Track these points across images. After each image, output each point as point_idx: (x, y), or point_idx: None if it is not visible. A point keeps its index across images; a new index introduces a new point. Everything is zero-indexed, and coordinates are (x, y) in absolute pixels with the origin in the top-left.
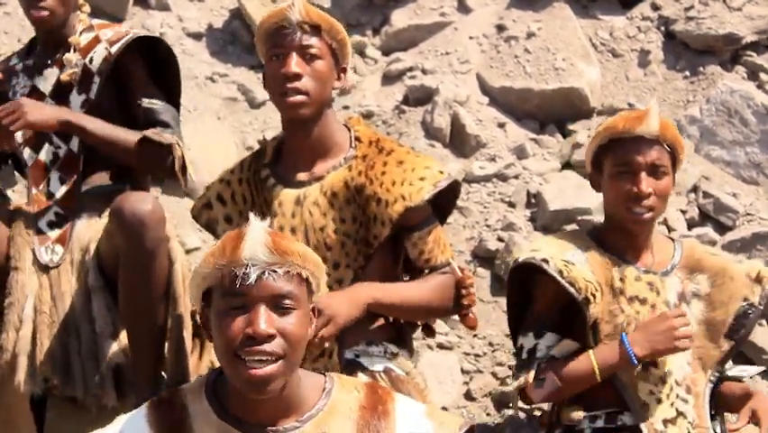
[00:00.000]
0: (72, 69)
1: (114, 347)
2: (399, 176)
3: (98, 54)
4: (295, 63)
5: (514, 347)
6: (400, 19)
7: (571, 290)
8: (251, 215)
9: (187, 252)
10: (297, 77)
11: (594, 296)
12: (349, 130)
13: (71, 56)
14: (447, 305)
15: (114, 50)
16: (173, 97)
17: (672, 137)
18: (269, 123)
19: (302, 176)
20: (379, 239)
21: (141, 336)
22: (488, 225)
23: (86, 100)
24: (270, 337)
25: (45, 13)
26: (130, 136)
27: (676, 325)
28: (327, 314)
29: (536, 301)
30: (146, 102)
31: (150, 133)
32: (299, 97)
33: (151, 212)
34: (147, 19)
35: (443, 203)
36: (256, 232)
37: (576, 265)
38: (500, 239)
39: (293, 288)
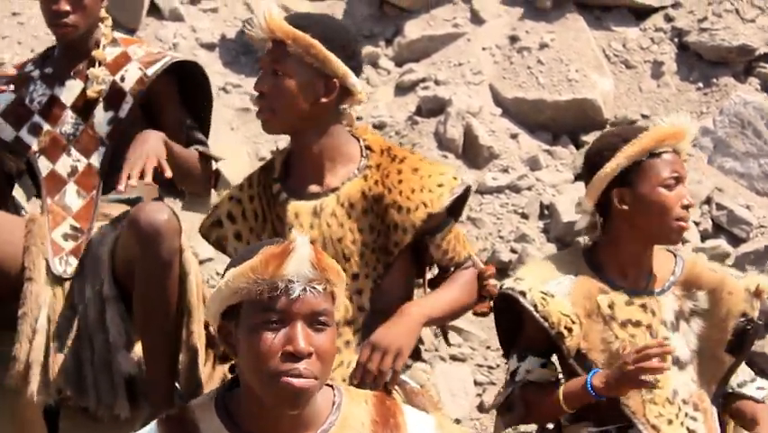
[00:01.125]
0: (100, 86)
1: (128, 358)
2: (417, 183)
3: (131, 74)
4: (260, 81)
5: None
6: (413, 30)
7: (545, 324)
8: (293, 231)
9: (200, 262)
10: (261, 95)
11: (570, 329)
12: (358, 140)
13: (98, 71)
14: (474, 299)
15: (150, 72)
16: (203, 117)
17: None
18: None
19: (314, 188)
20: (400, 246)
21: (156, 347)
22: (501, 237)
23: (113, 118)
24: (309, 355)
25: (69, 29)
26: (193, 155)
27: (633, 361)
28: (394, 348)
29: (524, 325)
30: (189, 122)
31: (202, 149)
32: (264, 115)
33: (167, 222)
34: (160, 29)
35: (455, 205)
36: (303, 248)
37: (555, 297)
38: (513, 250)
39: (328, 305)
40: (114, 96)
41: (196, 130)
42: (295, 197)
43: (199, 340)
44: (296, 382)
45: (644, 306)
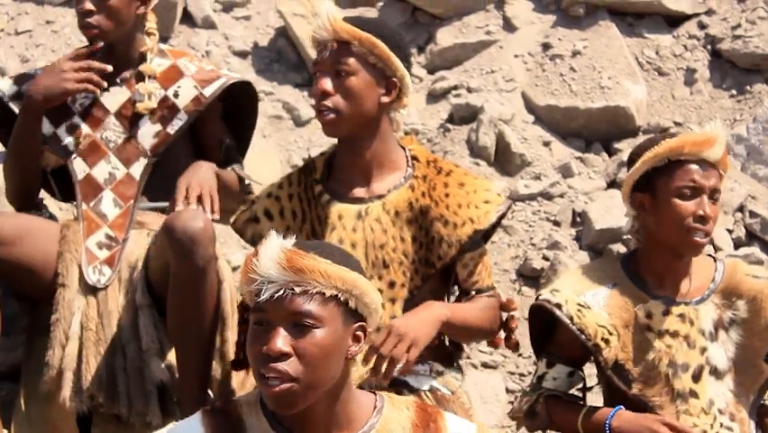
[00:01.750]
0: (151, 103)
1: (160, 365)
2: (464, 198)
3: (186, 92)
4: (324, 81)
5: None
6: (445, 37)
7: (582, 337)
8: (272, 231)
9: (233, 270)
10: (325, 95)
11: (607, 341)
12: (403, 148)
13: (149, 86)
14: (493, 328)
15: (207, 93)
16: (244, 133)
17: (726, 165)
18: (315, 141)
19: (359, 192)
20: (443, 260)
21: (189, 355)
22: (533, 244)
23: (161, 132)
24: (285, 356)
25: (94, 30)
26: (231, 176)
27: (662, 430)
28: (410, 337)
29: (558, 333)
30: (228, 141)
31: (238, 169)
32: (330, 116)
33: (203, 230)
34: (193, 37)
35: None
36: (270, 249)
37: (592, 309)
38: (545, 258)
39: (313, 307)
40: (165, 110)
41: (234, 150)
42: (338, 199)
43: (233, 348)
44: (272, 390)
45: (681, 315)
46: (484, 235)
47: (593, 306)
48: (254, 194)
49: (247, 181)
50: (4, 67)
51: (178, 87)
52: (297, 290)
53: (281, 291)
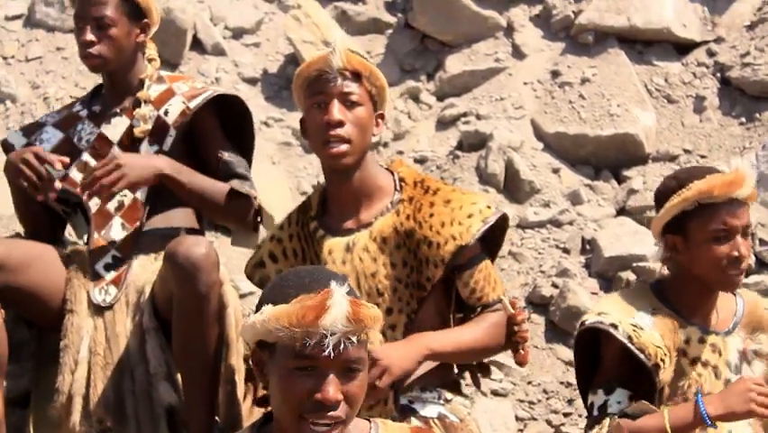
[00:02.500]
0: (146, 126)
1: (168, 388)
2: (448, 216)
3: (174, 108)
4: (337, 110)
5: (585, 408)
6: (454, 64)
7: (641, 356)
8: (333, 283)
9: (241, 296)
10: (341, 124)
11: (663, 361)
12: (392, 173)
13: (144, 111)
14: (499, 342)
15: (192, 105)
16: (245, 151)
17: (755, 196)
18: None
19: (349, 224)
20: (432, 281)
21: (195, 379)
22: (542, 271)
23: (158, 151)
24: (338, 403)
25: (96, 60)
26: (218, 188)
27: (754, 389)
28: (383, 364)
29: (605, 360)
30: (225, 155)
31: (237, 184)
32: (343, 147)
33: (205, 256)
34: (203, 64)
35: (493, 238)
36: (340, 303)
37: (645, 330)
38: (555, 285)
39: (362, 352)
40: (158, 129)
41: (234, 165)
42: (331, 233)
43: (238, 374)
44: (321, 431)
45: (713, 345)
46: (488, 249)
47: (644, 327)
48: (267, 217)
49: (256, 201)
50: (15, 93)
51: (169, 105)
52: (354, 339)
53: (340, 342)
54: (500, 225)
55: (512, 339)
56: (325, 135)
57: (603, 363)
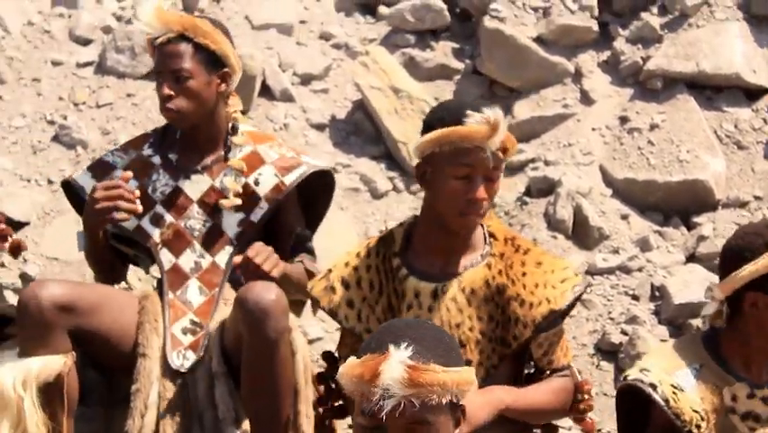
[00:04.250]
0: (236, 201)
1: None
2: (541, 278)
3: (267, 179)
4: (482, 188)
5: None
6: (523, 110)
7: (677, 422)
8: (392, 346)
9: (310, 342)
10: (483, 201)
11: (699, 427)
12: (482, 225)
13: (235, 184)
14: (565, 408)
15: (287, 181)
16: (318, 217)
17: None
18: (391, 213)
19: (436, 269)
20: (519, 340)
21: (263, 426)
22: (611, 318)
23: (244, 220)
24: None
25: (175, 115)
26: (301, 272)
27: None
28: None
29: (653, 417)
30: (299, 230)
31: (309, 264)
32: (478, 220)
33: (275, 302)
34: (271, 110)
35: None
36: (394, 367)
37: (685, 392)
38: (624, 332)
39: (430, 414)
40: (246, 198)
41: (306, 239)
42: (416, 275)
43: (307, 420)
44: None
45: (764, 399)
46: (561, 315)
47: (685, 387)
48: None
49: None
50: (86, 139)
51: (259, 174)
52: (417, 403)
53: (400, 404)
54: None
55: (577, 407)
56: (466, 209)
57: (651, 420)
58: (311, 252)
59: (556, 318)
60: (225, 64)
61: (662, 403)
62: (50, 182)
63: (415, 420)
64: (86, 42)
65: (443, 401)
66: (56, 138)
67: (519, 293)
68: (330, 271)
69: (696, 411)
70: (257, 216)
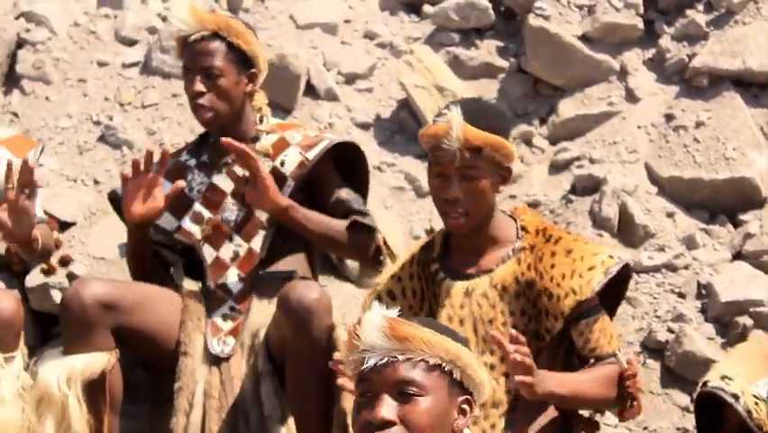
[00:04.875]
0: (267, 145)
1: (283, 432)
2: (569, 267)
3: (291, 159)
4: (454, 187)
5: None
6: (567, 109)
7: (757, 432)
8: (375, 302)
9: None
10: (456, 200)
11: None
12: (515, 220)
13: (267, 146)
14: (611, 396)
15: (310, 156)
16: (361, 192)
17: None
18: (436, 212)
19: (470, 268)
20: (551, 333)
21: (308, 423)
22: (657, 316)
23: None
24: (388, 424)
25: (208, 114)
26: (339, 224)
27: None
28: (537, 378)
29: (731, 421)
30: (343, 193)
31: (358, 217)
32: (460, 220)
33: (318, 300)
34: (316, 109)
35: (615, 288)
36: (372, 318)
37: (767, 402)
38: (670, 330)
39: (418, 375)
40: (274, 181)
41: (352, 202)
42: (451, 276)
43: (351, 418)
44: None
45: None
46: (612, 297)
47: (767, 398)
48: (385, 250)
49: (378, 236)
50: (132, 140)
51: (285, 156)
52: (401, 357)
53: (384, 360)
54: (623, 275)
55: (621, 394)
56: (443, 207)
57: (728, 424)
58: (363, 213)
59: (594, 306)
60: (254, 65)
61: (745, 415)
62: (96, 182)
63: (400, 378)
64: (131, 43)
65: (432, 363)
66: (102, 138)
67: (547, 286)
68: (377, 284)
69: None
70: (285, 194)
